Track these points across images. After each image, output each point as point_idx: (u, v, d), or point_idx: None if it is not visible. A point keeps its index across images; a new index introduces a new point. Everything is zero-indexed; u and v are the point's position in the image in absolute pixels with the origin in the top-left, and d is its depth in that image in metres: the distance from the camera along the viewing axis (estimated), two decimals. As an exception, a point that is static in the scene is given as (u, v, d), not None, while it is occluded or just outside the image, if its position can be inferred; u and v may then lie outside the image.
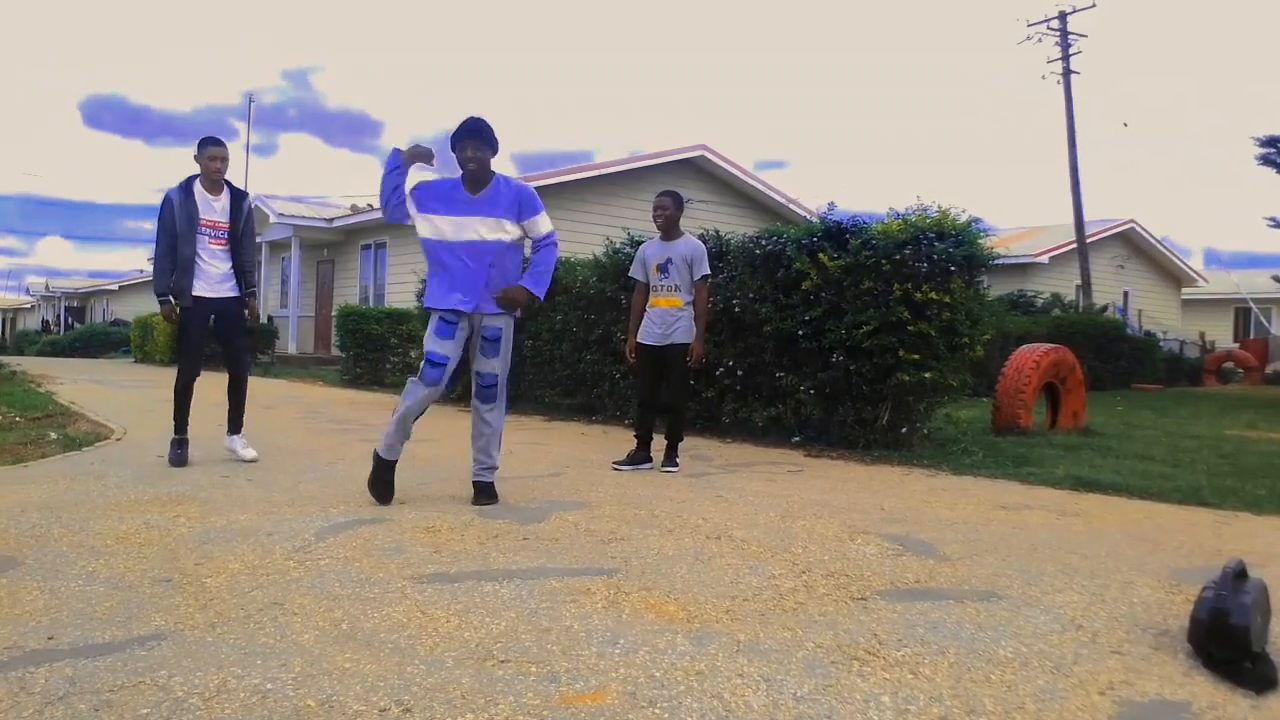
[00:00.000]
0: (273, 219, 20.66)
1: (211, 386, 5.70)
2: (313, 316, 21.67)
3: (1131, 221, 24.62)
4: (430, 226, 4.17)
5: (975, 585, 3.03)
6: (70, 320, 42.62)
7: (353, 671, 2.14)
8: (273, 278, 23.08)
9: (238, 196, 5.44)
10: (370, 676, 2.11)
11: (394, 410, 4.22)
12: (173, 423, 5.33)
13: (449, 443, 6.30)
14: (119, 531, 3.51)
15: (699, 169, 17.94)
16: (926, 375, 6.18)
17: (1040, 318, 17.07)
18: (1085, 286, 20.61)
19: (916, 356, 6.13)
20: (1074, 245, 21.09)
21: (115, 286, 41.20)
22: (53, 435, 6.51)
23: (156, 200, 5.49)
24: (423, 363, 4.18)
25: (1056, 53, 21.58)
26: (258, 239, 23.71)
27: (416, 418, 4.23)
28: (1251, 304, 28.39)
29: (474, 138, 4.07)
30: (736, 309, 7.02)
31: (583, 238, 13.34)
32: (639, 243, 7.93)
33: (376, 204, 22.79)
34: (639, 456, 5.56)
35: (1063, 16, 21.62)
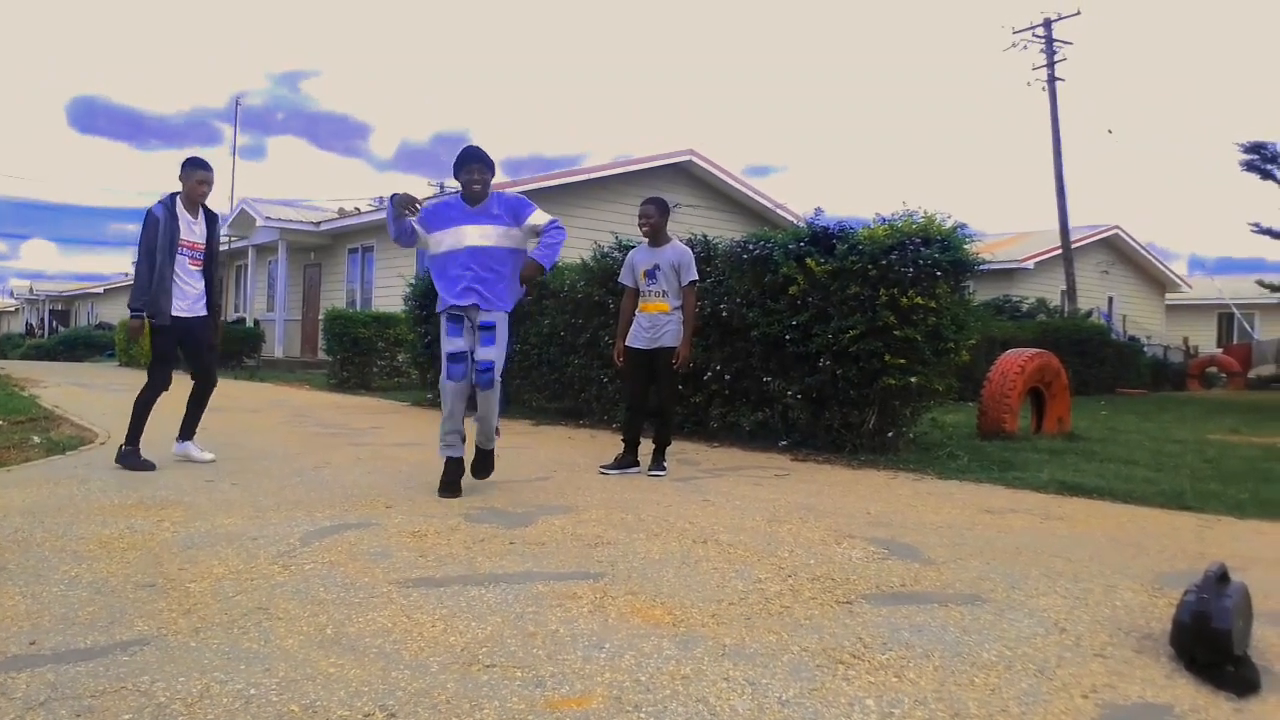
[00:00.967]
0: (259, 222, 20.58)
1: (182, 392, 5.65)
2: (299, 320, 21.57)
3: (1116, 227, 24.82)
4: (435, 242, 4.73)
5: (960, 589, 3.04)
6: (55, 323, 42.28)
7: (337, 677, 2.13)
8: (259, 281, 22.97)
9: (211, 218, 5.60)
10: (355, 681, 2.10)
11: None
12: (128, 432, 5.34)
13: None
14: (102, 536, 3.49)
15: (687, 173, 17.98)
16: (912, 380, 6.20)
17: (1025, 323, 17.17)
18: (1070, 292, 20.74)
19: (902, 361, 6.15)
20: (1059, 251, 21.23)
21: (100, 290, 40.91)
22: (36, 439, 6.46)
23: (143, 204, 5.60)
24: (444, 364, 4.64)
25: (1042, 60, 21.72)
26: (245, 242, 23.71)
27: (464, 415, 4.67)
28: (1235, 309, 28.60)
29: (478, 162, 4.68)
30: (724, 313, 7.03)
31: (571, 242, 13.15)
32: (628, 247, 7.93)
33: (364, 207, 22.58)
34: (626, 460, 5.56)
35: (1048, 24, 21.77)
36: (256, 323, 21.50)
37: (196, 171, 5.41)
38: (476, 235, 4.63)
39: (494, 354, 4.59)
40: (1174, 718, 2.05)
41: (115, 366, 21.45)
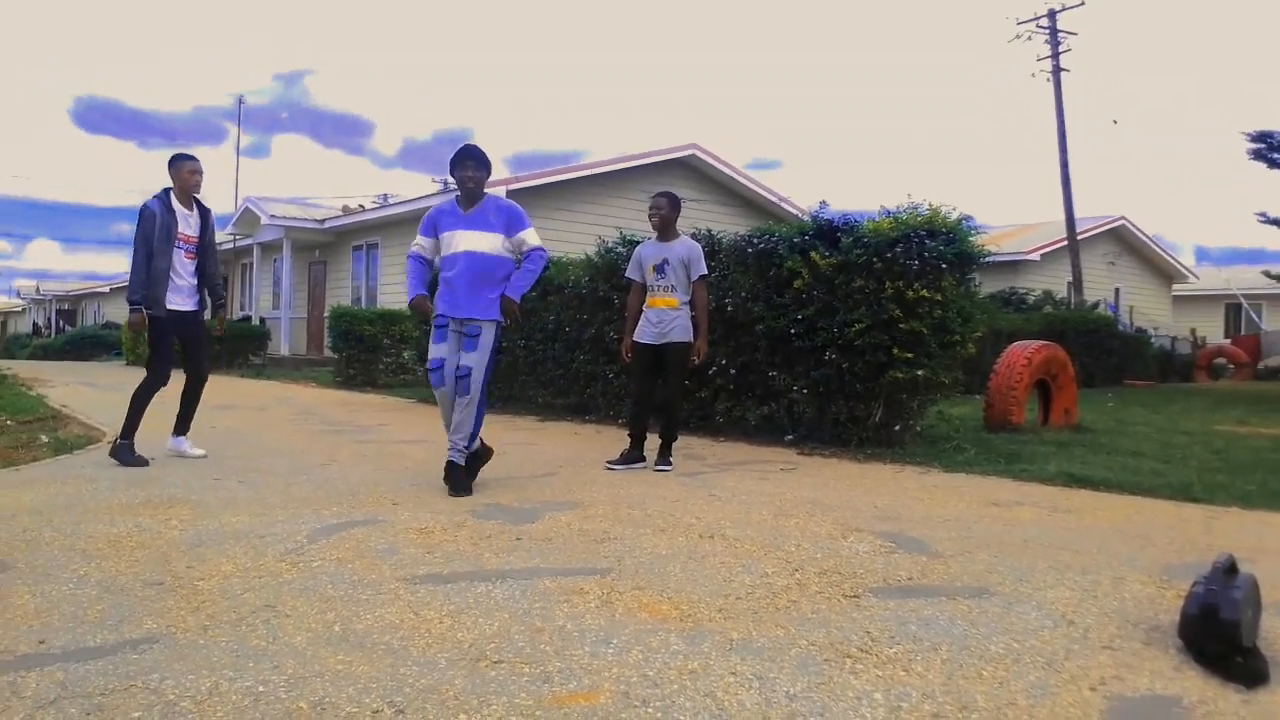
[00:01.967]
0: (264, 220, 20.60)
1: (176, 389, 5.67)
2: (305, 318, 21.60)
3: (1122, 218, 24.69)
4: (438, 245, 4.80)
5: (967, 582, 3.04)
6: (61, 323, 42.39)
7: (345, 673, 2.14)
8: (264, 279, 23.01)
9: (204, 211, 5.66)
10: (363, 678, 2.11)
11: None
12: (123, 426, 5.36)
13: (443, 444, 6.27)
14: (110, 535, 3.50)
15: (690, 168, 17.93)
16: (919, 373, 6.19)
17: (1032, 315, 17.10)
18: (1076, 283, 20.68)
19: (909, 354, 6.14)
20: (1065, 242, 21.16)
21: (106, 289, 40.94)
22: (44, 438, 6.49)
23: (148, 203, 5.51)
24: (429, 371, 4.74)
25: (1046, 51, 21.65)
26: (250, 240, 23.70)
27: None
28: (1242, 300, 28.49)
29: (472, 159, 4.71)
30: (729, 308, 7.03)
31: (574, 238, 13.33)
32: (633, 242, 7.94)
33: (368, 204, 22.58)
34: (632, 456, 5.56)
35: (1052, 15, 21.68)
36: (262, 320, 21.54)
37: (186, 163, 5.53)
38: (473, 241, 4.67)
39: (474, 360, 4.59)
40: (1182, 709, 2.04)
41: (122, 366, 21.49)
